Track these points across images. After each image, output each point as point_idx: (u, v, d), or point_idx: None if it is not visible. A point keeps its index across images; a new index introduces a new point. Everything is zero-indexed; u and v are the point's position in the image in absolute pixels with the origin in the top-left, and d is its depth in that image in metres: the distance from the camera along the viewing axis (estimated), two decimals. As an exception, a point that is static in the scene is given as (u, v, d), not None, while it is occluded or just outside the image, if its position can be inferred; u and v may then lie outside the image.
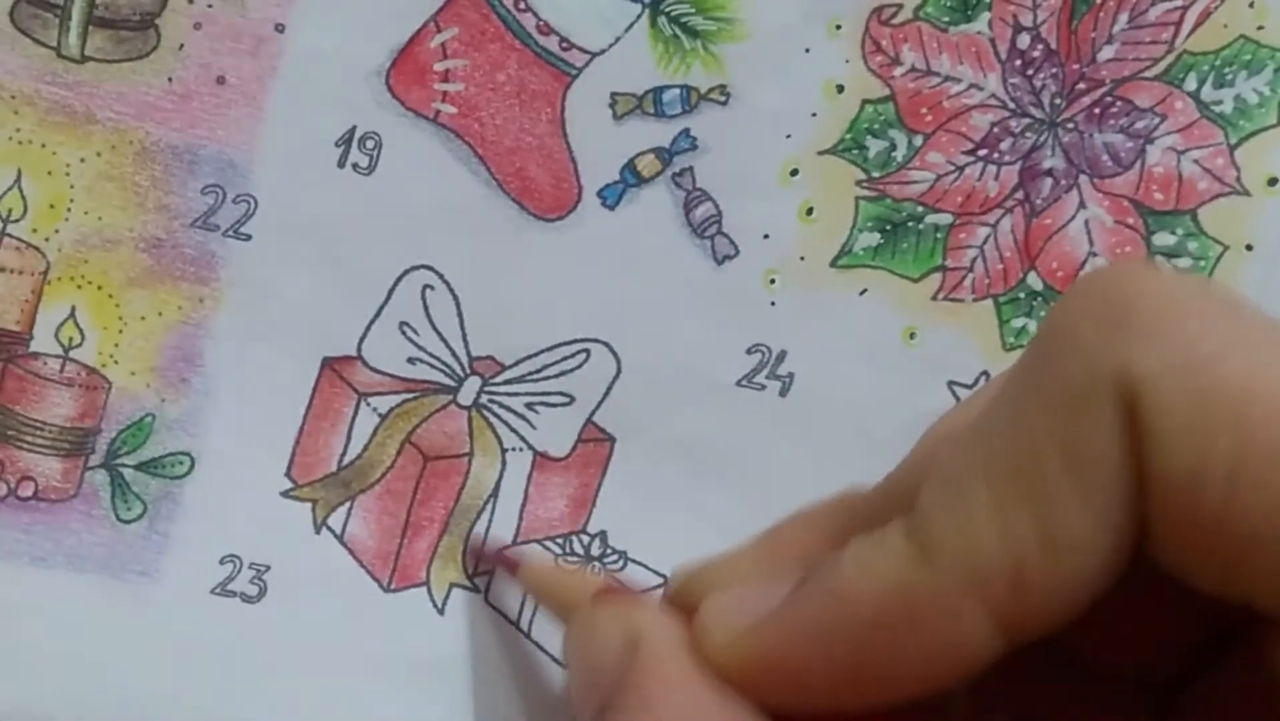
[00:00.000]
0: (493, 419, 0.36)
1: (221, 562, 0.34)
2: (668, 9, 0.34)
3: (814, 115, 0.35)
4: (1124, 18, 0.35)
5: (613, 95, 0.34)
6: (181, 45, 0.32)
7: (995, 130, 0.36)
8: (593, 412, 0.36)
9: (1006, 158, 0.36)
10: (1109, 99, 0.36)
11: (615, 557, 0.37)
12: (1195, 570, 0.18)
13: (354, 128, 0.33)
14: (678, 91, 0.35)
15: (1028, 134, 0.36)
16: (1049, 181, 0.36)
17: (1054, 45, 0.35)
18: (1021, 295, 0.37)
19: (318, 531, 0.35)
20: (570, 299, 0.35)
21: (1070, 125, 0.36)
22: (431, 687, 0.35)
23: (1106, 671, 0.22)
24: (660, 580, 0.36)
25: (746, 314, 0.36)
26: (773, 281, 0.36)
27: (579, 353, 0.35)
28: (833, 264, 0.36)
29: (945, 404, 0.37)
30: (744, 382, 0.36)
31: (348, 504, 0.35)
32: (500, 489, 0.36)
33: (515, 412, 0.36)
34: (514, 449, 0.36)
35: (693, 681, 0.21)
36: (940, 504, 0.20)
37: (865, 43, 0.35)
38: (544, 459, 0.36)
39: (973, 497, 0.19)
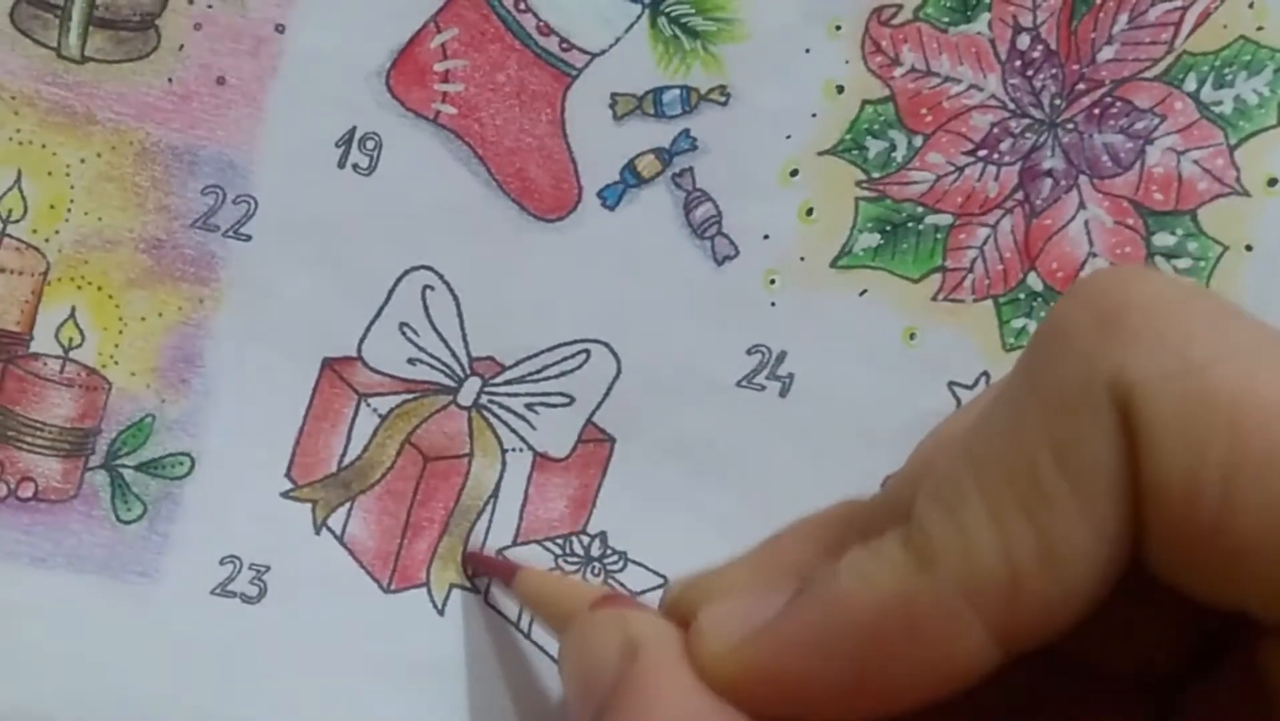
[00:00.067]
0: (493, 419, 0.36)
1: (221, 563, 0.34)
2: (668, 9, 0.34)
3: (814, 116, 0.35)
4: (1124, 18, 0.35)
5: (613, 96, 0.34)
6: (182, 46, 0.32)
7: (995, 131, 0.36)
8: (593, 413, 0.36)
9: (1006, 158, 0.36)
10: (1109, 99, 0.36)
11: (615, 558, 0.37)
12: (1190, 577, 0.18)
13: (354, 128, 0.33)
14: (678, 92, 0.35)
15: (1028, 134, 0.36)
16: (1049, 182, 0.36)
17: (1054, 46, 0.35)
18: (1021, 296, 0.37)
19: (318, 532, 0.35)
20: (570, 299, 0.35)
21: (1070, 126, 0.36)
22: (431, 688, 0.35)
23: (1103, 674, 0.22)
24: (660, 580, 0.36)
25: (746, 314, 0.36)
26: (773, 282, 0.36)
27: (579, 353, 0.35)
28: (833, 264, 0.36)
29: (945, 404, 0.37)
30: (744, 383, 0.36)
31: (348, 504, 0.35)
32: (500, 489, 0.36)
33: (515, 413, 0.36)
34: (514, 449, 0.36)
35: (691, 688, 0.21)
36: (936, 512, 0.20)
37: (865, 43, 0.35)
38: (544, 459, 0.36)
39: (968, 505, 0.19)
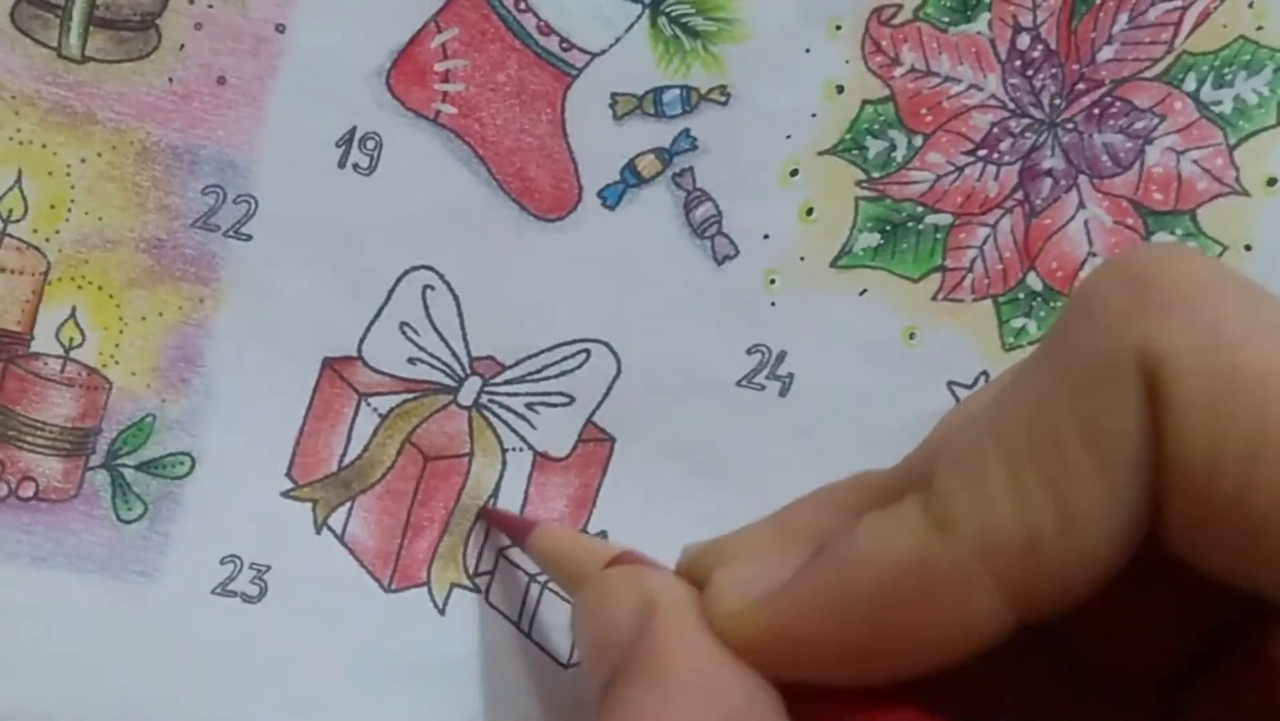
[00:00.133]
0: (493, 419, 0.36)
1: (222, 563, 0.34)
2: (668, 9, 0.34)
3: (814, 115, 0.35)
4: (1124, 18, 0.36)
5: (613, 95, 0.34)
6: (182, 45, 0.32)
7: (995, 130, 0.36)
8: (593, 413, 0.36)
9: (1006, 158, 0.36)
10: (1108, 99, 0.36)
11: (615, 558, 0.37)
12: (1206, 554, 0.18)
13: (354, 128, 0.33)
14: (678, 92, 0.35)
15: (1027, 134, 0.36)
16: (1048, 182, 0.36)
17: (1054, 45, 0.35)
18: (1021, 295, 0.37)
19: (318, 531, 0.35)
20: (570, 299, 0.35)
21: (1070, 125, 0.36)
22: (431, 687, 0.35)
23: (1111, 667, 0.22)
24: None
25: (746, 314, 0.36)
26: (773, 282, 0.36)
27: (579, 353, 0.35)
28: (833, 264, 0.36)
29: (945, 404, 0.37)
30: (744, 383, 0.36)
31: (348, 504, 0.35)
32: (500, 489, 0.36)
33: (515, 413, 0.36)
34: (514, 449, 0.36)
35: (707, 647, 0.21)
36: (956, 477, 0.20)
37: (865, 43, 0.35)
38: (544, 459, 0.36)
39: (989, 471, 0.19)
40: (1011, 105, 0.36)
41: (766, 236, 0.36)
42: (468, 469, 0.36)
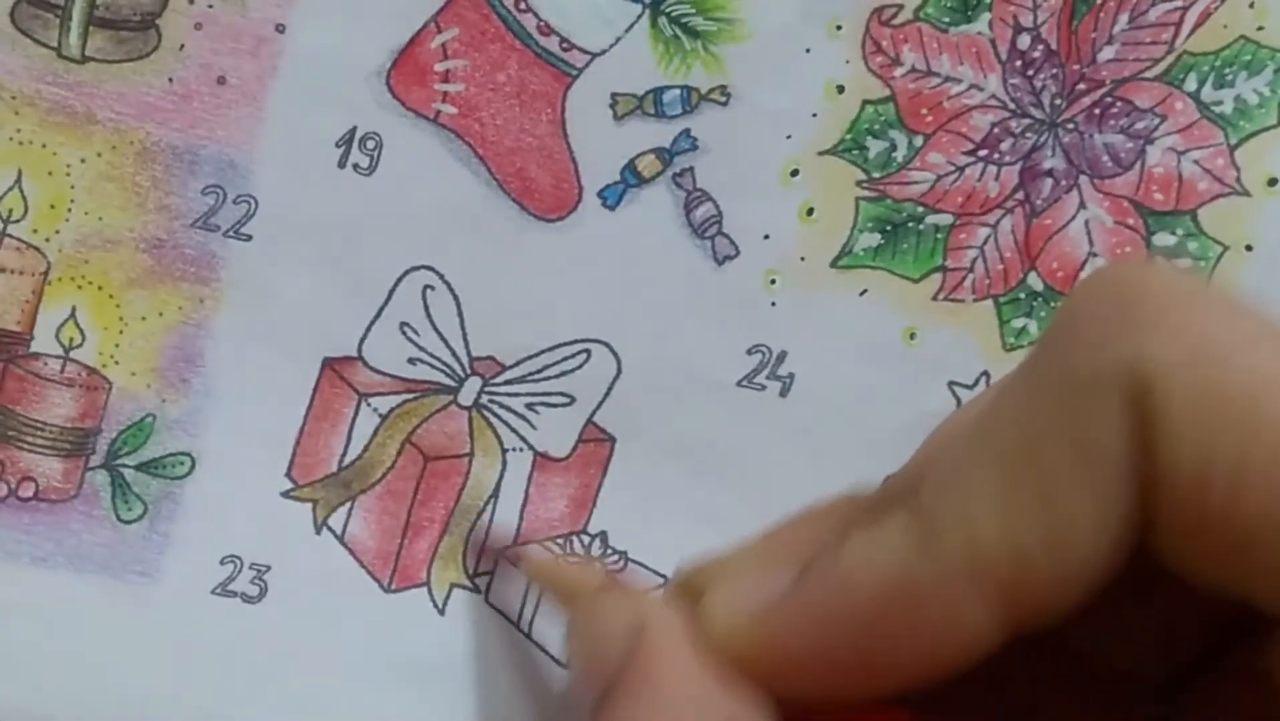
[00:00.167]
0: (493, 419, 0.36)
1: (222, 563, 0.34)
2: (668, 9, 0.34)
3: (814, 115, 0.35)
4: (1124, 18, 0.35)
5: (613, 95, 0.34)
6: (182, 45, 0.32)
7: (995, 131, 0.36)
8: (593, 413, 0.36)
9: (1007, 158, 0.36)
10: (1109, 99, 0.36)
11: (615, 558, 0.37)
12: (1197, 566, 0.18)
13: (354, 128, 0.33)
14: (678, 92, 0.35)
15: (1028, 134, 0.36)
16: (1049, 182, 0.36)
17: (1054, 46, 0.35)
18: (1022, 295, 0.37)
19: (318, 531, 0.35)
20: (571, 299, 0.35)
21: (1070, 126, 0.36)
22: (431, 687, 0.35)
23: (1105, 671, 0.22)
24: (661, 581, 0.36)
25: (747, 314, 0.36)
26: (773, 282, 0.36)
27: (579, 353, 0.35)
28: (833, 264, 0.36)
29: (945, 404, 0.37)
30: (744, 383, 0.36)
31: (348, 504, 0.35)
32: (501, 489, 0.36)
33: (516, 413, 0.36)
34: (514, 449, 0.36)
35: (697, 666, 0.21)
36: (942, 492, 0.20)
37: (865, 43, 0.35)
38: (544, 459, 0.36)
39: (975, 486, 0.19)
40: (1012, 105, 0.36)
41: (767, 236, 0.36)
42: (468, 469, 0.36)
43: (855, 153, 0.36)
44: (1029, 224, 0.36)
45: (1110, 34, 0.36)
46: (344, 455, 0.35)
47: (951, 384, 0.37)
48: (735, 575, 0.23)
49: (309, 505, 0.35)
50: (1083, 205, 0.37)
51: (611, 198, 0.35)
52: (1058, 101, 0.36)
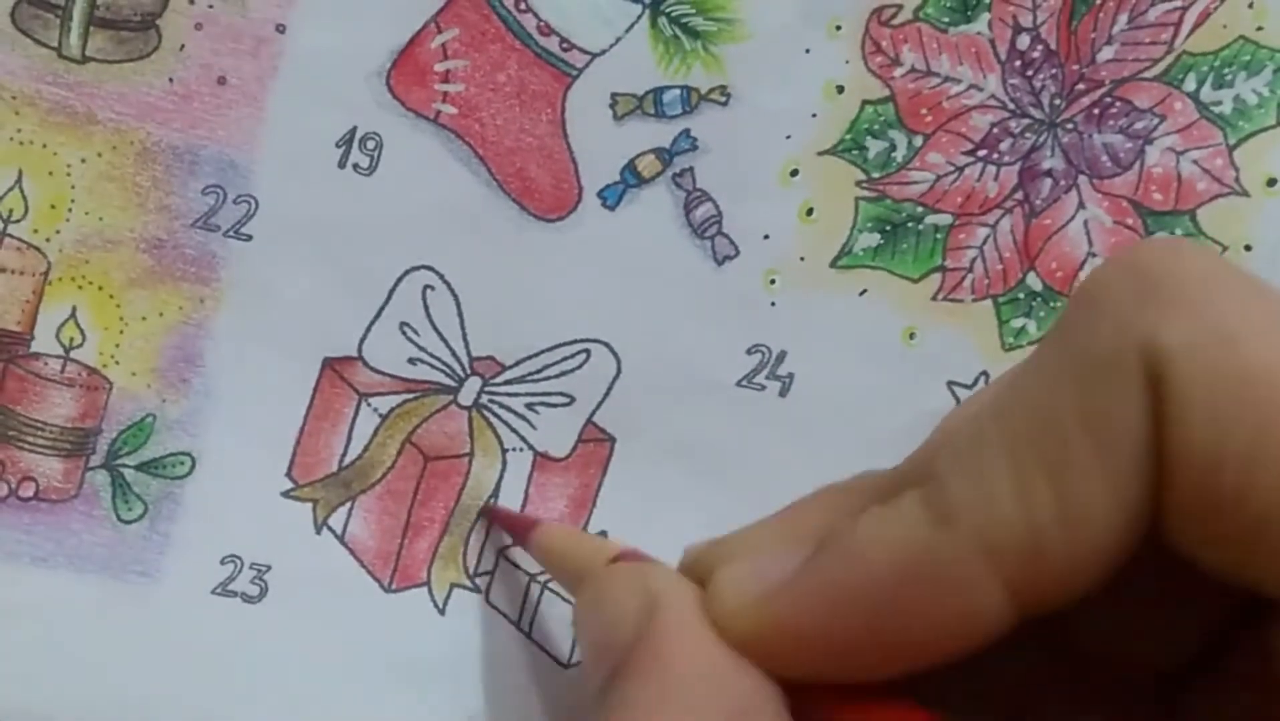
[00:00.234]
0: (493, 419, 0.36)
1: (222, 563, 0.34)
2: (668, 9, 0.34)
3: (814, 116, 0.35)
4: (1123, 18, 0.36)
5: (613, 96, 0.34)
6: (182, 46, 0.32)
7: (995, 131, 0.36)
8: (593, 413, 0.36)
9: (1006, 158, 0.36)
10: (1108, 99, 0.36)
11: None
12: (1207, 550, 0.18)
13: (354, 128, 0.33)
14: (678, 92, 0.35)
15: (1027, 134, 0.36)
16: (1048, 182, 0.36)
17: (1054, 46, 0.36)
18: (1021, 295, 0.37)
19: (318, 531, 0.35)
20: (571, 299, 0.35)
21: (1070, 126, 0.36)
22: (431, 687, 0.35)
23: (1112, 664, 0.22)
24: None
25: (746, 314, 0.36)
26: (773, 282, 0.36)
27: (579, 353, 0.35)
28: (833, 264, 0.36)
29: (945, 404, 0.37)
30: (744, 383, 0.36)
31: (348, 504, 0.35)
32: (501, 489, 0.36)
33: (516, 413, 0.36)
34: (514, 449, 0.36)
35: (709, 645, 0.21)
36: (957, 469, 0.20)
37: (865, 43, 0.35)
38: (544, 459, 0.36)
39: (991, 463, 0.19)
40: (1011, 105, 0.36)
41: (766, 236, 0.36)
42: (468, 469, 0.36)
43: (855, 153, 0.36)
44: (1028, 224, 0.37)
45: (1110, 34, 0.36)
46: (344, 455, 0.35)
47: (951, 384, 0.37)
48: (746, 553, 0.23)
49: (309, 505, 0.35)
50: (1082, 205, 0.37)
51: (611, 198, 0.35)
52: (1057, 101, 0.36)
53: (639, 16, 0.34)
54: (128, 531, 0.34)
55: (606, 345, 0.36)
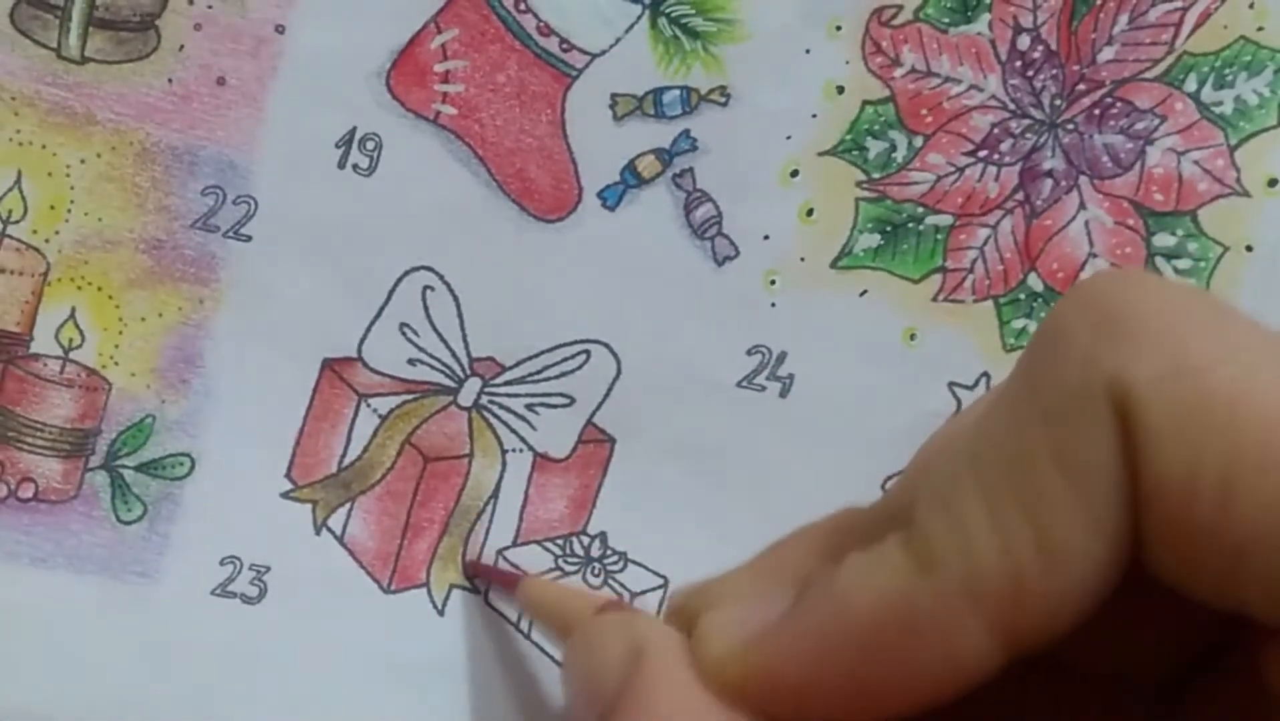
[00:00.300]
0: (493, 420, 0.36)
1: (222, 563, 0.34)
2: (668, 10, 0.34)
3: (814, 116, 0.35)
4: (1124, 19, 0.35)
5: (613, 96, 0.34)
6: (182, 46, 0.32)
7: (995, 131, 0.36)
8: (593, 413, 0.36)
9: (1007, 159, 0.36)
10: (1109, 100, 0.36)
11: (615, 558, 0.37)
12: (1190, 579, 0.18)
13: (354, 129, 0.33)
14: (678, 92, 0.35)
15: (1028, 135, 0.36)
16: (1049, 182, 0.36)
17: (1054, 46, 0.35)
18: (1022, 296, 0.37)
19: (318, 532, 0.35)
20: (570, 300, 0.35)
21: (1070, 126, 0.36)
22: (431, 688, 0.35)
23: (1103, 679, 0.22)
24: (660, 581, 0.36)
25: (747, 315, 0.36)
26: (773, 282, 0.36)
27: (579, 354, 0.35)
28: (833, 265, 0.36)
29: (945, 404, 0.37)
30: (744, 383, 0.36)
31: (348, 505, 0.35)
32: (500, 490, 0.36)
33: (515, 414, 0.36)
34: (514, 450, 0.36)
35: (696, 692, 0.21)
36: (935, 514, 0.20)
37: (865, 44, 0.35)
38: (544, 460, 0.36)
39: (968, 506, 0.19)
40: (1012, 106, 0.36)
41: (767, 237, 0.36)
42: (468, 470, 0.36)
43: (855, 153, 0.36)
44: (1029, 224, 0.36)
45: (1110, 34, 0.36)
46: (344, 456, 0.35)
47: (952, 384, 0.37)
48: (730, 599, 0.23)
49: (309, 506, 0.35)
50: (1083, 206, 0.36)
51: (611, 198, 0.35)
52: (1057, 102, 0.36)
53: (639, 17, 0.34)
54: (127, 532, 0.34)
55: (606, 346, 0.36)
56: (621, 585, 0.36)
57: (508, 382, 0.35)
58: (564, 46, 0.34)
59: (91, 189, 0.32)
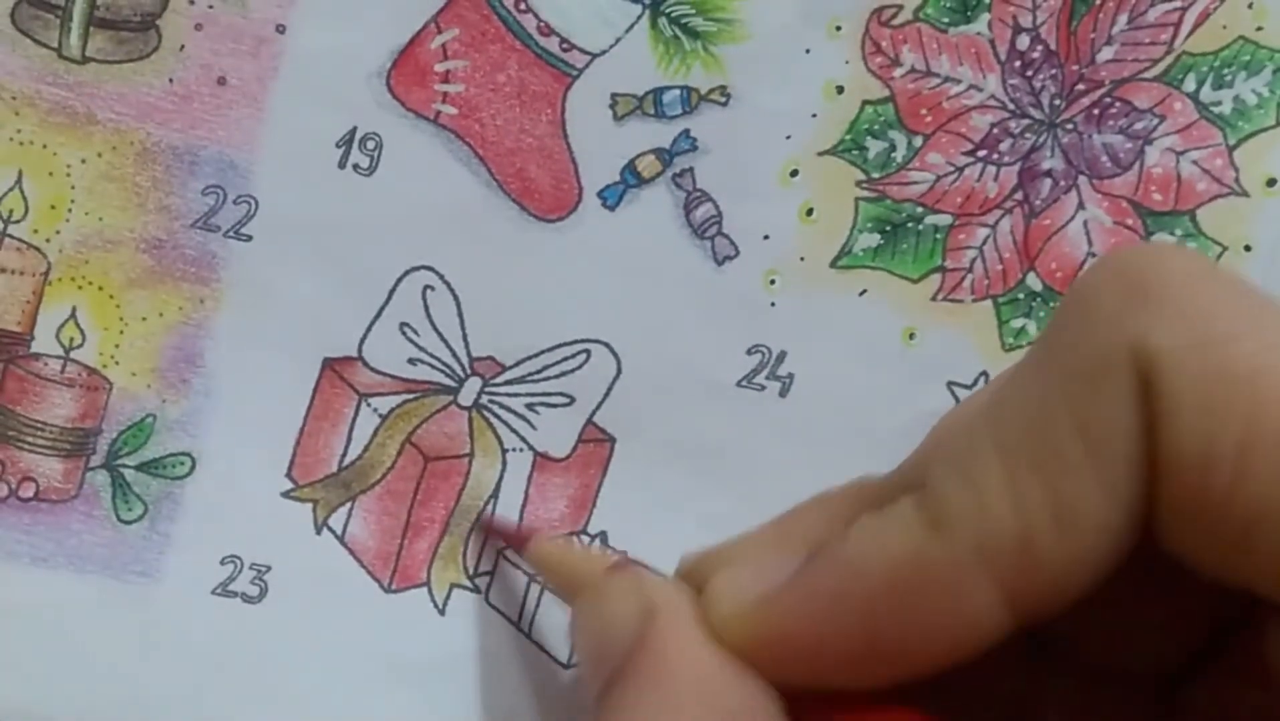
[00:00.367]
0: (493, 419, 0.36)
1: (222, 563, 0.34)
2: (668, 10, 0.34)
3: (814, 116, 0.35)
4: (1123, 19, 0.36)
5: (613, 96, 0.34)
6: (182, 46, 0.32)
7: (995, 131, 0.36)
8: (593, 413, 0.36)
9: (1006, 158, 0.36)
10: (1108, 100, 0.36)
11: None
12: (1199, 551, 0.18)
13: (355, 128, 0.33)
14: (678, 92, 0.35)
15: (1027, 135, 0.36)
16: (1048, 182, 0.36)
17: (1053, 46, 0.36)
18: (1021, 296, 0.37)
19: (318, 532, 0.35)
20: (571, 299, 0.35)
21: (1069, 126, 0.36)
22: (431, 688, 0.35)
23: (1109, 667, 0.22)
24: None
25: (746, 314, 0.36)
26: (773, 282, 0.36)
27: (579, 353, 0.35)
28: (833, 264, 0.36)
29: (945, 404, 0.37)
30: (744, 383, 0.36)
31: (348, 504, 0.35)
32: (501, 489, 0.36)
33: (516, 413, 0.36)
34: (514, 449, 0.36)
35: (707, 651, 0.21)
36: (951, 475, 0.20)
37: (865, 44, 0.35)
38: (544, 459, 0.36)
39: (984, 468, 0.19)
40: (1011, 106, 0.36)
41: (766, 237, 0.36)
42: (468, 469, 0.36)
43: (855, 153, 0.36)
44: (1028, 224, 0.37)
45: (1109, 34, 0.36)
46: (344, 455, 0.35)
47: (950, 384, 0.37)
48: (741, 561, 0.23)
49: (309, 505, 0.35)
50: (1082, 205, 0.37)
51: (611, 198, 0.35)
52: (1057, 102, 0.36)
53: (639, 17, 0.34)
54: (128, 531, 0.34)
55: (606, 345, 0.36)
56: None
57: (508, 382, 0.35)
58: (564, 46, 0.34)
59: (92, 188, 0.32)
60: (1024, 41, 0.35)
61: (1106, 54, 0.36)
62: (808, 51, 0.35)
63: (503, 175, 0.34)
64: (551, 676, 0.36)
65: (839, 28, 0.35)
